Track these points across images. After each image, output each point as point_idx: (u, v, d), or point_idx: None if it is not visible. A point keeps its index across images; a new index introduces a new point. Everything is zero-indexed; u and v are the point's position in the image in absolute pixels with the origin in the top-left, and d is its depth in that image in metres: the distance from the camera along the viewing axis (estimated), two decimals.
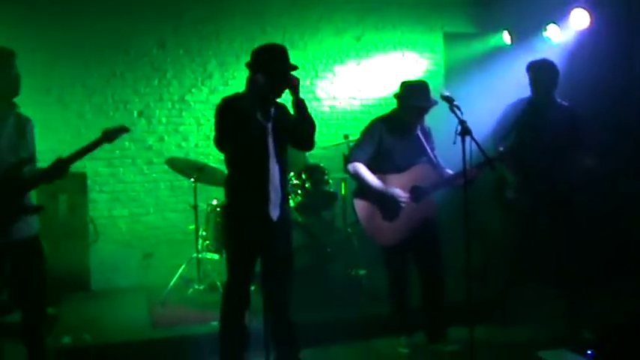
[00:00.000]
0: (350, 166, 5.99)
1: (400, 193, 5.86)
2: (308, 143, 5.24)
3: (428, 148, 5.99)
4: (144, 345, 6.12)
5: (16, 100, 4.89)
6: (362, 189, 6.02)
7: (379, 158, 5.96)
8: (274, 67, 4.97)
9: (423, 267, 6.11)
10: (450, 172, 5.98)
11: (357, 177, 5.95)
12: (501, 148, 6.34)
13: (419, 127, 6.02)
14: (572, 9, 7.96)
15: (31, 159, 4.90)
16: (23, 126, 4.90)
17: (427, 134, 6.11)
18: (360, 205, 6.04)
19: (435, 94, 5.97)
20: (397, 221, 5.91)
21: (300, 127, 5.11)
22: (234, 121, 4.85)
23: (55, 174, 4.86)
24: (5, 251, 4.77)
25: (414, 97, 5.88)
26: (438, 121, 6.37)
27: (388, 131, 5.97)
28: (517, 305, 6.70)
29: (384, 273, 6.26)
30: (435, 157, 6.04)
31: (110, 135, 5.02)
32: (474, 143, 5.07)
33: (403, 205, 5.87)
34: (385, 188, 5.86)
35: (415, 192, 5.91)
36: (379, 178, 5.90)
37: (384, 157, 5.95)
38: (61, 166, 4.85)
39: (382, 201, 5.90)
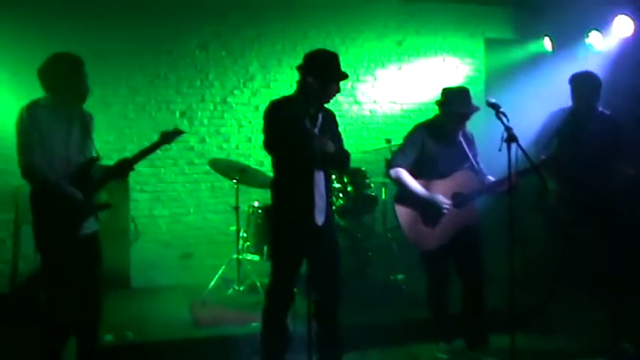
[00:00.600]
0: (392, 172, 5.96)
1: (442, 199, 5.83)
2: (342, 170, 5.42)
3: (470, 154, 5.96)
4: (186, 344, 6.16)
5: None
6: (403, 194, 5.99)
7: (421, 164, 5.93)
8: (328, 72, 5.02)
9: (463, 273, 6.06)
10: (491, 179, 5.95)
11: (398, 182, 5.94)
12: (543, 157, 6.33)
13: (461, 134, 6.00)
14: (615, 16, 7.90)
15: (98, 158, 5.04)
16: (87, 123, 5.06)
17: (470, 141, 6.09)
18: (401, 211, 6.02)
19: (476, 101, 6.00)
20: (438, 227, 5.89)
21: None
22: (284, 125, 4.89)
23: (120, 173, 5.13)
24: (71, 247, 4.87)
25: (455, 103, 5.87)
26: (480, 127, 6.37)
27: (430, 137, 5.95)
28: (558, 314, 6.68)
29: (424, 278, 6.24)
30: (477, 163, 6.01)
31: (168, 137, 5.29)
32: (518, 150, 5.07)
33: (445, 211, 5.85)
34: (427, 194, 5.84)
35: (457, 198, 5.88)
36: (421, 184, 5.87)
37: (426, 163, 5.92)
38: (126, 165, 5.09)
39: (424, 207, 5.88)
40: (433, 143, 5.93)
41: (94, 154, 5.03)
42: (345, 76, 5.14)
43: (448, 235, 5.88)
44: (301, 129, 4.90)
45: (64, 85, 4.84)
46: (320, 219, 5.06)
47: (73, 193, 4.74)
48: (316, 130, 5.03)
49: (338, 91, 5.13)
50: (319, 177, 5.04)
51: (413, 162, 5.94)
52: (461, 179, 5.91)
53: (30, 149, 4.70)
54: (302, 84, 4.97)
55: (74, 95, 4.92)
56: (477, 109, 5.86)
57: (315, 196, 4.99)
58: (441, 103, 5.99)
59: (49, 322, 4.94)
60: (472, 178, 5.93)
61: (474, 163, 5.97)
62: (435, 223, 5.90)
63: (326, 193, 5.13)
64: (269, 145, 5.04)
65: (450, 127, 5.95)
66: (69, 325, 4.94)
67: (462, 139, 5.98)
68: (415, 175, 5.91)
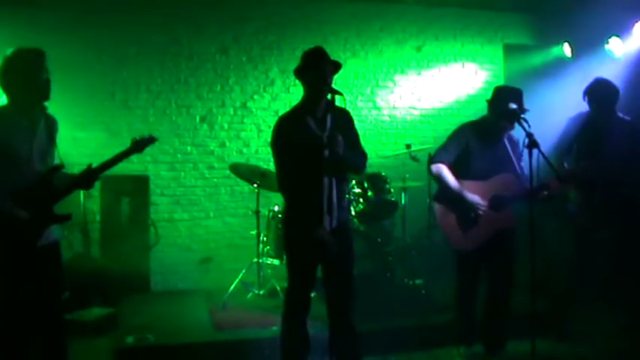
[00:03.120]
0: (433, 167, 5.90)
1: (479, 200, 5.78)
2: (358, 173, 5.42)
3: (514, 158, 5.87)
4: (206, 347, 6.18)
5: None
6: (442, 192, 5.96)
7: (463, 164, 5.87)
8: (312, 59, 5.10)
9: (493, 277, 6.02)
10: (534, 185, 5.78)
11: (438, 178, 5.87)
12: (565, 164, 6.32)
13: (507, 137, 5.93)
14: (635, 22, 7.87)
15: (62, 166, 4.69)
16: (52, 130, 4.75)
17: (515, 144, 5.96)
18: (439, 209, 6.00)
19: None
20: (473, 228, 5.84)
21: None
22: (293, 155, 5.04)
23: (85, 183, 4.74)
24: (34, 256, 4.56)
25: (509, 101, 5.78)
26: None
27: (476, 137, 5.89)
28: (577, 320, 6.66)
29: (444, 281, 6.23)
30: (520, 168, 5.89)
31: (140, 144, 4.92)
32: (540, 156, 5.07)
33: (481, 213, 5.80)
34: (465, 194, 5.77)
35: (495, 201, 5.81)
36: (461, 184, 5.81)
37: (468, 163, 5.86)
38: (92, 174, 4.71)
39: (461, 206, 5.83)
40: (478, 143, 5.88)
41: (58, 162, 4.73)
42: (335, 63, 5.14)
43: (483, 237, 5.82)
44: (309, 146, 4.99)
45: (22, 82, 4.51)
46: (331, 223, 5.02)
47: (17, 213, 4.41)
48: (325, 135, 5.03)
49: (332, 71, 5.10)
50: (331, 182, 5.00)
51: (455, 160, 5.88)
52: (501, 182, 5.83)
53: None
54: (302, 85, 5.16)
55: (37, 96, 4.59)
56: (517, 112, 5.72)
57: (324, 200, 4.98)
58: (492, 101, 5.94)
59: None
60: (513, 182, 5.81)
61: (517, 167, 5.89)
62: (470, 224, 5.85)
63: (338, 198, 5.10)
64: (282, 187, 5.18)
65: (500, 126, 5.84)
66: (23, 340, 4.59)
67: (507, 142, 5.91)
68: (456, 173, 5.84)
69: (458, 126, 6.13)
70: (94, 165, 4.73)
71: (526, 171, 5.26)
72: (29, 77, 4.52)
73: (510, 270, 5.97)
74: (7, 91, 4.53)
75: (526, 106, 5.72)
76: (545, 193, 5.66)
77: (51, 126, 4.75)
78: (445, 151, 5.93)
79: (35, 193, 4.50)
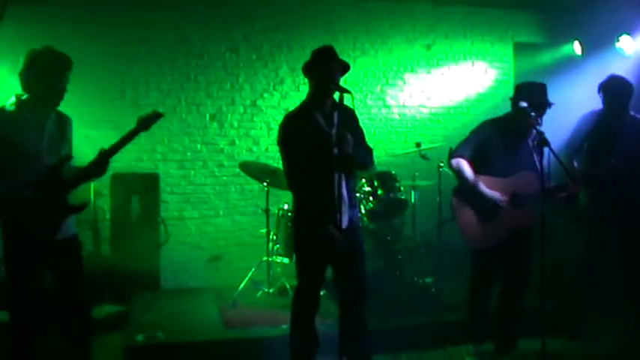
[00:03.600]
0: (453, 161, 5.83)
1: (499, 196, 5.73)
2: (366, 169, 5.44)
3: (536, 157, 5.73)
4: (215, 345, 6.19)
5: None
6: (462, 187, 5.91)
7: (484, 160, 5.81)
8: (320, 57, 5.13)
9: (509, 275, 5.99)
10: (552, 184, 5.82)
11: (458, 172, 5.81)
12: (575, 163, 6.32)
13: (531, 136, 5.82)
14: None
15: (70, 157, 4.78)
16: (64, 126, 4.84)
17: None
18: (458, 205, 5.94)
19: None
20: (492, 225, 5.79)
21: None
22: (301, 149, 5.06)
23: (97, 169, 4.76)
24: (49, 251, 4.71)
25: (533, 96, 5.71)
26: None
27: (498, 135, 5.83)
28: (587, 319, 6.65)
29: (453, 279, 6.22)
30: (542, 167, 5.85)
31: (146, 122, 4.90)
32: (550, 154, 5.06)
33: (500, 208, 5.76)
34: (483, 188, 5.73)
35: (515, 199, 5.77)
36: (482, 180, 5.76)
37: (489, 160, 5.80)
38: (103, 159, 4.73)
39: (480, 202, 5.78)
40: (500, 141, 5.82)
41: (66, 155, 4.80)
42: (344, 63, 5.16)
43: (502, 235, 5.78)
44: (319, 142, 5.02)
45: (41, 82, 4.61)
46: (343, 221, 5.02)
47: (21, 190, 4.52)
48: (334, 130, 5.04)
49: (340, 71, 5.12)
50: (340, 179, 4.98)
51: (476, 156, 5.82)
52: (522, 180, 5.75)
53: None
54: (309, 83, 5.21)
55: (51, 97, 4.69)
56: (552, 104, 5.74)
57: (336, 198, 4.95)
58: (515, 98, 5.85)
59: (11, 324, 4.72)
60: (534, 181, 5.68)
61: (539, 166, 5.84)
62: (488, 221, 5.80)
63: (349, 195, 5.13)
64: (292, 186, 5.21)
65: (522, 123, 5.75)
66: (30, 328, 4.70)
67: (530, 140, 5.85)
68: (477, 170, 5.79)
69: (481, 122, 6.05)
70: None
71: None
72: (49, 80, 4.61)
73: (527, 269, 5.92)
74: (25, 85, 4.63)
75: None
76: (565, 194, 5.66)
77: (62, 122, 4.84)
78: (467, 146, 5.86)
79: (46, 185, 4.59)
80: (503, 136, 5.83)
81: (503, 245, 5.79)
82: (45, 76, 4.59)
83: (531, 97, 5.68)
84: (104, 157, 4.72)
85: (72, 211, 4.79)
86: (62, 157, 4.71)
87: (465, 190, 5.87)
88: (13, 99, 4.64)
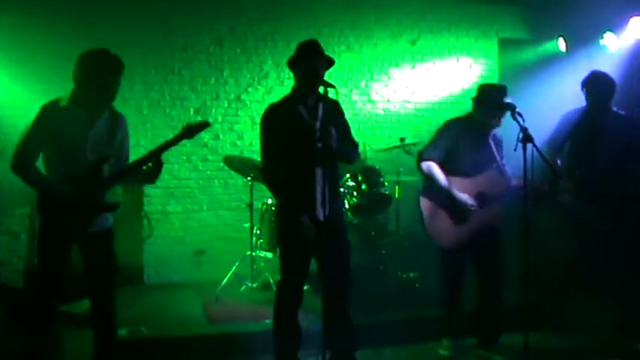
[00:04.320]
0: (424, 165, 5.91)
1: (469, 199, 5.82)
2: (351, 163, 5.47)
3: (497, 155, 5.95)
4: (199, 340, 6.16)
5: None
6: (430, 188, 5.98)
7: (450, 159, 5.89)
8: (304, 51, 5.14)
9: (482, 272, 6.06)
10: (515, 182, 5.88)
11: (430, 176, 5.88)
12: (558, 161, 6.35)
13: (491, 134, 5.99)
14: (630, 17, 7.87)
15: (108, 157, 4.86)
16: (117, 125, 4.95)
17: (498, 142, 6.05)
18: (425, 204, 6.01)
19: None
20: (460, 226, 5.88)
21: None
22: (280, 140, 5.09)
23: (130, 173, 4.98)
24: (81, 242, 4.88)
25: (492, 100, 5.79)
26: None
27: (463, 133, 5.92)
28: (571, 313, 6.67)
29: (437, 274, 6.24)
30: (503, 165, 5.98)
31: (192, 129, 5.02)
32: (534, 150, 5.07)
33: (472, 210, 5.83)
34: (456, 192, 5.80)
35: (481, 198, 5.86)
36: (451, 182, 5.83)
37: (454, 159, 5.89)
38: (139, 164, 4.92)
39: (449, 204, 5.86)
40: (465, 140, 5.90)
41: (110, 154, 4.89)
42: (329, 59, 5.16)
43: (468, 234, 5.88)
44: (301, 135, 5.05)
45: (96, 83, 4.71)
46: (321, 213, 5.03)
47: (60, 189, 4.66)
48: (318, 124, 5.08)
49: (325, 66, 5.14)
50: (319, 171, 5.02)
51: (445, 157, 5.90)
52: (487, 180, 5.88)
53: (23, 148, 4.68)
54: (294, 77, 5.23)
55: (100, 97, 4.79)
56: (513, 106, 5.78)
57: (316, 190, 5.02)
58: (478, 99, 5.96)
59: (30, 319, 4.92)
60: (498, 180, 5.88)
61: (501, 164, 5.96)
62: (457, 221, 5.88)
63: (330, 188, 5.06)
64: (264, 177, 5.32)
65: (484, 124, 5.93)
66: (48, 323, 4.88)
67: (491, 140, 5.98)
68: (444, 170, 5.87)
69: (444, 122, 6.14)
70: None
71: (520, 166, 5.23)
72: (101, 81, 4.73)
73: (498, 264, 6.03)
74: (77, 84, 4.76)
75: (520, 100, 5.71)
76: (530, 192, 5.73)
77: (116, 122, 4.95)
78: (435, 148, 5.95)
79: (85, 182, 4.72)
80: (469, 136, 5.92)
81: (470, 244, 5.91)
82: (97, 77, 4.70)
83: (494, 98, 5.79)
84: (139, 163, 4.91)
85: (105, 209, 4.94)
86: (102, 157, 4.81)
87: (435, 192, 5.94)
88: (68, 94, 4.77)
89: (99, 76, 4.70)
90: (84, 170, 4.71)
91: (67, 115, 4.70)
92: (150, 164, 4.96)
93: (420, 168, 6.01)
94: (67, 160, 4.71)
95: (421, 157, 6.00)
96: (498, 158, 5.94)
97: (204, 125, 5.07)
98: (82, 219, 4.76)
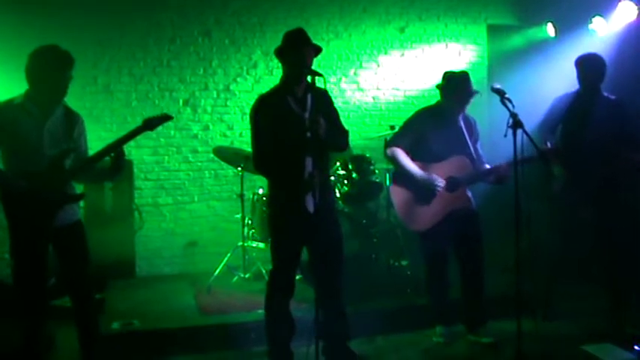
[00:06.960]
0: (388, 150, 6.05)
1: (437, 178, 5.90)
2: (341, 151, 5.47)
3: (470, 140, 6.03)
4: (192, 331, 6.15)
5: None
6: (398, 174, 6.11)
7: (419, 147, 5.99)
8: (292, 40, 5.16)
9: (463, 258, 6.12)
10: (487, 166, 6.04)
11: (394, 161, 6.02)
12: (549, 143, 6.34)
13: (462, 119, 6.07)
14: (618, 1, 7.86)
15: (70, 150, 4.94)
16: (71, 123, 5.02)
17: (471, 126, 6.15)
18: (395, 191, 6.15)
19: (478, 87, 6.10)
20: (429, 207, 5.97)
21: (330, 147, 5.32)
22: (271, 131, 5.08)
23: (91, 166, 5.04)
24: (50, 237, 4.92)
25: (456, 86, 5.96)
26: (484, 113, 6.36)
27: (430, 121, 6.01)
28: (561, 299, 6.68)
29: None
30: (476, 149, 6.08)
31: (152, 122, 5.13)
32: (524, 136, 5.08)
33: (438, 190, 5.91)
34: (422, 173, 5.89)
35: (450, 182, 5.95)
36: (418, 167, 5.93)
37: (424, 147, 5.97)
38: (98, 158, 4.98)
39: (417, 186, 5.94)
40: (433, 127, 5.99)
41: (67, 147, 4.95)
42: (316, 47, 5.16)
43: (439, 216, 5.96)
44: (291, 125, 5.04)
45: (42, 80, 4.82)
46: (311, 204, 5.02)
47: (17, 183, 4.71)
48: (307, 114, 5.07)
49: (312, 54, 5.15)
50: (309, 161, 5.01)
51: (411, 144, 6.01)
52: (456, 164, 5.98)
53: None
54: (282, 66, 5.22)
55: (52, 93, 4.88)
56: (476, 92, 5.96)
57: (307, 181, 5.00)
58: (442, 87, 6.08)
59: (19, 314, 4.96)
60: (467, 164, 5.99)
61: (472, 149, 6.02)
62: (426, 203, 5.97)
63: (320, 178, 5.02)
64: (257, 167, 5.27)
65: (451, 110, 6.03)
66: (37, 318, 4.97)
67: (462, 124, 6.05)
68: (413, 157, 5.97)
69: (414, 112, 6.30)
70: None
71: (510, 150, 5.22)
72: (49, 77, 4.83)
73: (480, 250, 6.09)
74: (29, 82, 4.86)
75: (509, 86, 5.71)
76: (493, 177, 5.97)
77: (70, 119, 5.03)
78: (400, 136, 6.13)
79: (44, 176, 4.78)
80: (436, 124, 6.02)
81: (446, 230, 5.97)
82: (45, 74, 4.80)
83: (457, 83, 5.99)
84: (101, 155, 4.95)
85: (69, 200, 5.00)
86: (63, 150, 4.88)
87: (401, 176, 6.06)
88: (22, 93, 4.86)
89: (48, 71, 4.80)
90: (44, 164, 4.79)
91: (20, 111, 4.79)
92: (112, 154, 5.02)
93: (385, 154, 6.19)
94: (25, 156, 4.79)
95: (387, 144, 6.18)
96: (470, 142, 6.02)
97: (165, 118, 5.18)
98: (45, 212, 4.82)
